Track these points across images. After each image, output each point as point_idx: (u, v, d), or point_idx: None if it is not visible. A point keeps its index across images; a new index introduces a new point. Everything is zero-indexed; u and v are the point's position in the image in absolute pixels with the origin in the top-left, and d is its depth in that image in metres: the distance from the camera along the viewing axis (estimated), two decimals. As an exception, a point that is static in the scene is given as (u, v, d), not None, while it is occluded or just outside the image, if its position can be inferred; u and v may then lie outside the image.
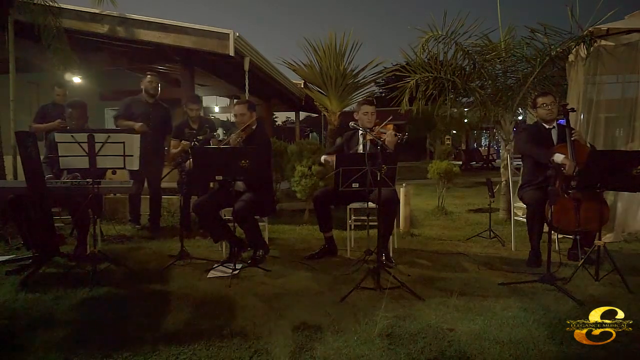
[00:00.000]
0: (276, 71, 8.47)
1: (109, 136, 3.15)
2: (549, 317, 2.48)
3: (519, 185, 4.04)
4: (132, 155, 3.22)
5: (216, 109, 16.26)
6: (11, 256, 3.80)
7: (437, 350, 2.13)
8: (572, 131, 3.53)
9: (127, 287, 3.11)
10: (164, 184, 4.97)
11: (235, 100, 11.94)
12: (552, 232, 3.47)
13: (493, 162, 19.66)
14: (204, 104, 13.74)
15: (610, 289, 2.97)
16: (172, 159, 4.46)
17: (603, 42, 4.66)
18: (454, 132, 23.32)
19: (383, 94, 21.28)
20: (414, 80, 5.61)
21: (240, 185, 3.76)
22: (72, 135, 3.10)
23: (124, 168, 3.28)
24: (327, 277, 3.30)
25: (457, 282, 3.16)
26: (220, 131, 4.35)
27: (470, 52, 5.46)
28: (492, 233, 4.63)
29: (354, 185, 3.13)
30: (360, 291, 2.89)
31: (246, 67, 6.59)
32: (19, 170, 4.58)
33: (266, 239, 3.99)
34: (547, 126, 3.75)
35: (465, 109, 9.77)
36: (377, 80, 8.35)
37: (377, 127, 3.73)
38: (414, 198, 7.23)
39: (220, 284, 3.13)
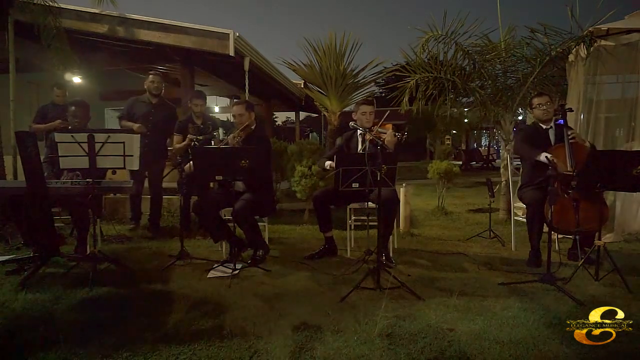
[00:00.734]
0: (276, 71, 8.47)
1: (108, 136, 3.16)
2: (549, 317, 2.48)
3: (518, 185, 4.04)
4: (132, 155, 3.23)
5: (216, 109, 16.22)
6: (11, 256, 3.79)
7: (437, 350, 2.12)
8: (570, 131, 3.53)
9: (127, 287, 3.10)
10: (164, 184, 4.98)
11: (234, 100, 11.93)
12: (552, 232, 3.47)
13: (493, 162, 19.67)
14: (204, 104, 13.70)
15: (610, 289, 2.97)
16: (178, 154, 4.47)
17: (603, 42, 4.66)
18: (454, 132, 23.31)
19: (383, 94, 21.25)
20: (414, 80, 5.61)
21: (240, 185, 3.76)
22: (72, 136, 3.10)
23: (124, 168, 3.29)
24: (327, 277, 3.30)
25: (457, 282, 3.16)
26: (220, 131, 4.35)
27: (470, 52, 5.46)
28: (492, 233, 4.63)
29: (354, 185, 3.13)
30: (360, 291, 2.89)
31: (246, 67, 6.60)
32: (19, 170, 4.58)
33: (266, 239, 4.00)
34: (544, 126, 3.75)
35: (465, 109, 9.79)
36: (377, 80, 8.33)
37: (376, 126, 3.73)
38: (414, 198, 7.24)
39: (220, 284, 3.13)
